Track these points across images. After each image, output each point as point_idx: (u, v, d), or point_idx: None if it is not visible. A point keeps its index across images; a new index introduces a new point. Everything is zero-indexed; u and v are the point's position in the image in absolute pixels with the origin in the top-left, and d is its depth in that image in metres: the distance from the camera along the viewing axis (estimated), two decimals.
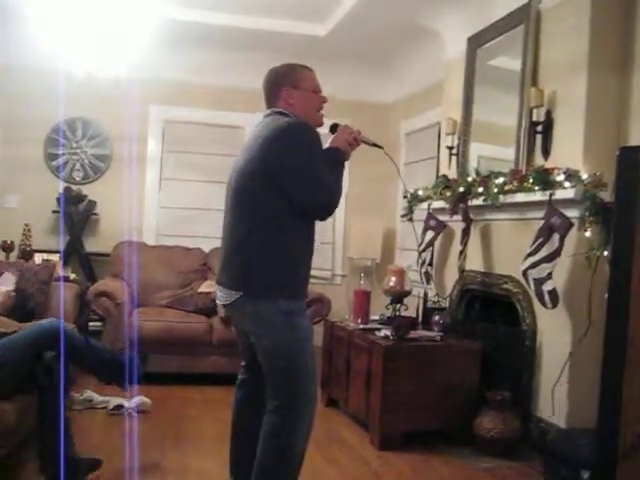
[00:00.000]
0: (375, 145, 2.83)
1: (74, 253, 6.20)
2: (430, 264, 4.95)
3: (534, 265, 3.63)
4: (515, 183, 3.89)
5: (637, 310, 2.46)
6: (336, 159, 2.65)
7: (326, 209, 2.56)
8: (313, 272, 2.74)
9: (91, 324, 5.64)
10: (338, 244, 7.03)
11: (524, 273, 3.70)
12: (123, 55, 4.83)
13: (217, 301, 2.73)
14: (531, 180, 3.74)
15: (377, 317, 4.58)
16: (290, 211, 2.51)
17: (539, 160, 3.98)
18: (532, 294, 3.79)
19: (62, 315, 3.75)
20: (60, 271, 5.19)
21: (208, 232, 6.31)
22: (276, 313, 2.51)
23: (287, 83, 2.66)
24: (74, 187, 6.34)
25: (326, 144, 2.66)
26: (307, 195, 2.50)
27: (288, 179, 2.49)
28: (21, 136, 6.24)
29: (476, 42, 4.79)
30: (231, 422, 2.87)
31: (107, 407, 4.20)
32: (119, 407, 4.17)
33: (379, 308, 4.76)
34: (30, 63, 5.88)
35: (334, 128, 2.76)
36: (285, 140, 2.50)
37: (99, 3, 4.38)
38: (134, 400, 4.23)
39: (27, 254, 5.56)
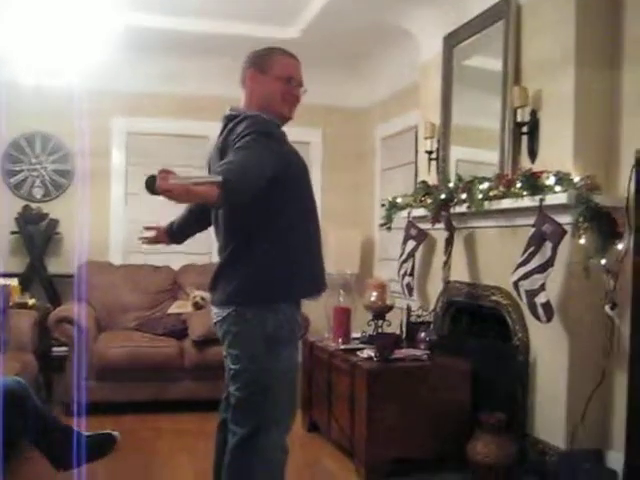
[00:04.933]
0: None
1: (35, 275, 5.86)
2: (412, 275, 4.71)
3: (526, 276, 3.38)
4: (501, 188, 3.64)
5: None
6: None
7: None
8: None
9: (55, 349, 5.30)
10: None
11: (515, 285, 3.46)
12: (79, 65, 4.53)
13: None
14: (519, 185, 3.49)
15: (359, 335, 4.31)
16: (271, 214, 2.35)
17: (525, 163, 3.74)
18: (524, 306, 3.54)
19: None
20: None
21: (178, 247, 5.99)
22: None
23: (255, 65, 2.46)
24: (34, 205, 6.01)
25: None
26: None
27: None
28: None
29: (452, 41, 4.55)
30: (212, 468, 2.55)
31: None
32: None
33: (360, 323, 4.49)
34: None
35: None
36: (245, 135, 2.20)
37: (51, 10, 4.08)
38: None
39: None
